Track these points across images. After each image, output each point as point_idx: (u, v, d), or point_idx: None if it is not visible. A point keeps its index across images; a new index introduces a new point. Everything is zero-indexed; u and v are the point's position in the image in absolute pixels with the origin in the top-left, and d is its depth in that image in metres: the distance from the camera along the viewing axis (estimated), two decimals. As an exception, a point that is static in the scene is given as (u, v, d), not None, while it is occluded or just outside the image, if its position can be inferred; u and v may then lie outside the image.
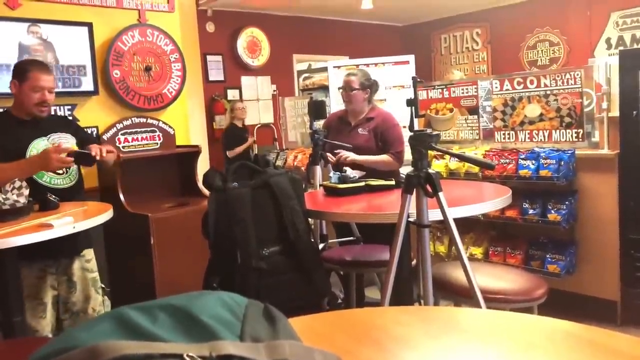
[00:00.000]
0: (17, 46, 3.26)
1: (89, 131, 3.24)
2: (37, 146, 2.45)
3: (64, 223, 1.94)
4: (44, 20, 3.34)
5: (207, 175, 2.16)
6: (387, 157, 3.07)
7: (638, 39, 6.61)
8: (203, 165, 4.05)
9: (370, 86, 3.20)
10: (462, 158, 1.96)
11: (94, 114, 3.53)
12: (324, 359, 0.59)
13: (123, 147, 3.56)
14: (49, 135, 2.52)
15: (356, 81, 3.15)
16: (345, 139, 3.08)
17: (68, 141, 2.53)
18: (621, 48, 6.52)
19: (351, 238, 2.99)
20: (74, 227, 1.95)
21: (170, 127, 3.88)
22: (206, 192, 2.73)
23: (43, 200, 2.25)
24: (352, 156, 2.96)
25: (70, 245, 2.46)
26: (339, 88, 3.30)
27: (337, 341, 0.93)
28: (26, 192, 2.16)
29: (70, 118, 2.83)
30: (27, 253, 2.34)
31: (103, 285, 2.69)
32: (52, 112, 2.72)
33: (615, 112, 3.10)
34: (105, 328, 0.55)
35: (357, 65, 4.65)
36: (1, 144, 2.39)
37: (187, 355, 0.51)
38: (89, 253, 2.62)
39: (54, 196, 2.27)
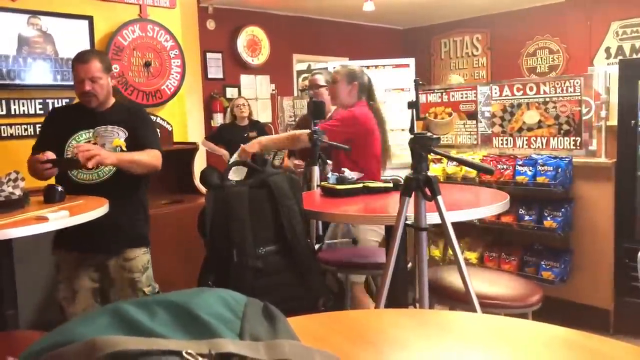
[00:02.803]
0: (17, 38, 3.25)
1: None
2: (79, 138, 2.43)
3: (59, 217, 1.92)
4: (44, 12, 3.34)
5: (205, 173, 2.15)
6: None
7: (637, 49, 6.63)
8: (200, 162, 4.04)
9: (333, 81, 3.31)
10: (461, 162, 1.96)
11: (92, 108, 3.52)
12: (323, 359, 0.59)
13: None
14: (96, 128, 2.44)
15: (321, 79, 3.35)
16: None
17: (113, 136, 2.44)
18: (620, 58, 6.55)
19: (348, 239, 2.99)
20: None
21: (168, 123, 3.88)
22: (203, 189, 2.72)
23: (48, 191, 2.22)
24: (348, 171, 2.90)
25: (103, 243, 2.40)
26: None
27: (333, 342, 0.93)
28: (22, 184, 2.15)
29: (140, 111, 2.63)
30: (63, 242, 2.40)
31: (146, 290, 2.51)
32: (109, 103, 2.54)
33: (614, 121, 3.10)
34: (102, 323, 0.55)
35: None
36: (48, 133, 2.49)
37: (186, 352, 0.50)
38: (132, 253, 2.47)
39: (60, 187, 2.24)
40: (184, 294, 0.61)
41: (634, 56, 6.58)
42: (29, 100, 3.32)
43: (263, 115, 7.23)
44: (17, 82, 3.26)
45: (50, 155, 2.23)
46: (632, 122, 2.99)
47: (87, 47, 3.48)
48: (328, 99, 3.26)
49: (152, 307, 0.57)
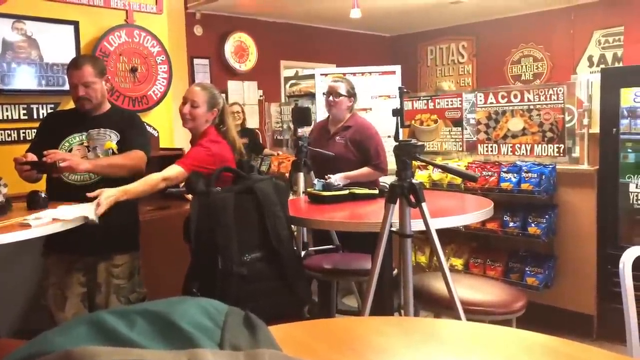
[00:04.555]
0: (1, 42, 3.21)
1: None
2: (72, 140, 2.46)
3: (41, 223, 1.90)
4: (29, 17, 3.30)
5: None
6: (367, 169, 3.09)
7: (619, 58, 6.74)
8: (186, 168, 4.01)
9: (355, 95, 3.24)
10: (445, 169, 1.97)
11: (77, 114, 3.49)
12: (303, 369, 0.59)
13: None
14: (89, 131, 2.46)
15: (343, 87, 3.18)
16: (323, 147, 3.09)
17: (106, 139, 2.46)
18: (602, 66, 6.65)
19: (331, 246, 2.99)
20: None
21: (154, 129, 3.85)
22: (189, 195, 2.70)
23: (31, 197, 2.20)
24: (334, 178, 2.86)
25: (93, 245, 2.39)
26: (323, 93, 3.34)
27: (318, 350, 0.93)
28: (4, 190, 2.13)
29: (133, 116, 2.64)
30: (54, 245, 2.39)
31: (131, 297, 2.51)
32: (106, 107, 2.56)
33: (596, 129, 3.15)
34: (80, 332, 0.54)
35: (344, 74, 4.66)
36: (43, 136, 2.48)
37: (165, 363, 0.50)
38: (120, 259, 2.48)
39: (43, 193, 2.23)
40: (164, 303, 0.60)
41: (616, 65, 6.68)
42: (12, 106, 3.29)
43: (250, 121, 7.22)
44: (0, 87, 3.22)
45: (31, 157, 2.22)
46: (614, 129, 3.03)
47: (73, 52, 3.45)
48: (345, 108, 3.22)
49: (132, 317, 0.57)
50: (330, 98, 3.19)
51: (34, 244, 2.29)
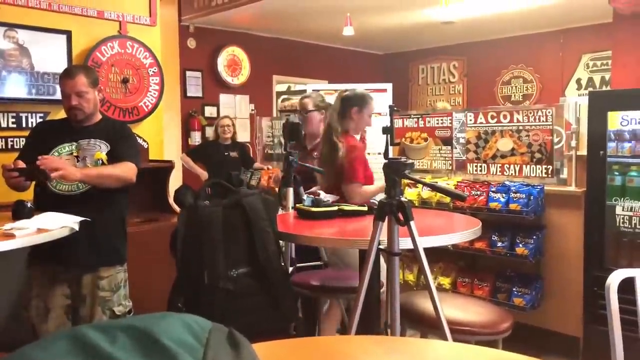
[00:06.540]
0: (-8, 50, 3.20)
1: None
2: (62, 150, 2.45)
3: (26, 233, 1.88)
4: (21, 26, 3.30)
5: (179, 192, 2.13)
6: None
7: (607, 81, 6.84)
8: (175, 181, 4.00)
9: (325, 108, 3.26)
10: (434, 188, 1.98)
11: (67, 123, 3.47)
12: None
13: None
14: (79, 141, 2.46)
15: (310, 103, 3.23)
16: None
17: (95, 149, 2.45)
18: (590, 89, 6.75)
19: (318, 263, 2.97)
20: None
21: (144, 140, 3.84)
22: (177, 208, 2.69)
23: (16, 206, 2.18)
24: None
25: (79, 257, 2.36)
26: (295, 112, 3.39)
27: (302, 369, 0.92)
28: (-11, 199, 2.10)
29: (123, 127, 2.66)
30: (39, 255, 2.36)
31: (116, 310, 2.48)
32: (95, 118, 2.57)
33: (583, 151, 3.18)
34: (60, 347, 0.53)
35: (335, 90, 4.68)
36: (32, 145, 2.48)
37: (145, 380, 0.49)
38: (107, 271, 2.46)
39: (29, 203, 2.21)
40: (147, 318, 0.60)
41: (604, 88, 6.78)
42: (1, 114, 3.26)
43: (242, 135, 7.23)
44: (-11, 94, 3.20)
45: (20, 164, 2.20)
46: (601, 152, 3.06)
47: (65, 62, 3.44)
48: (317, 122, 3.25)
49: (113, 332, 0.56)
50: (301, 115, 3.25)
51: (18, 253, 2.26)
